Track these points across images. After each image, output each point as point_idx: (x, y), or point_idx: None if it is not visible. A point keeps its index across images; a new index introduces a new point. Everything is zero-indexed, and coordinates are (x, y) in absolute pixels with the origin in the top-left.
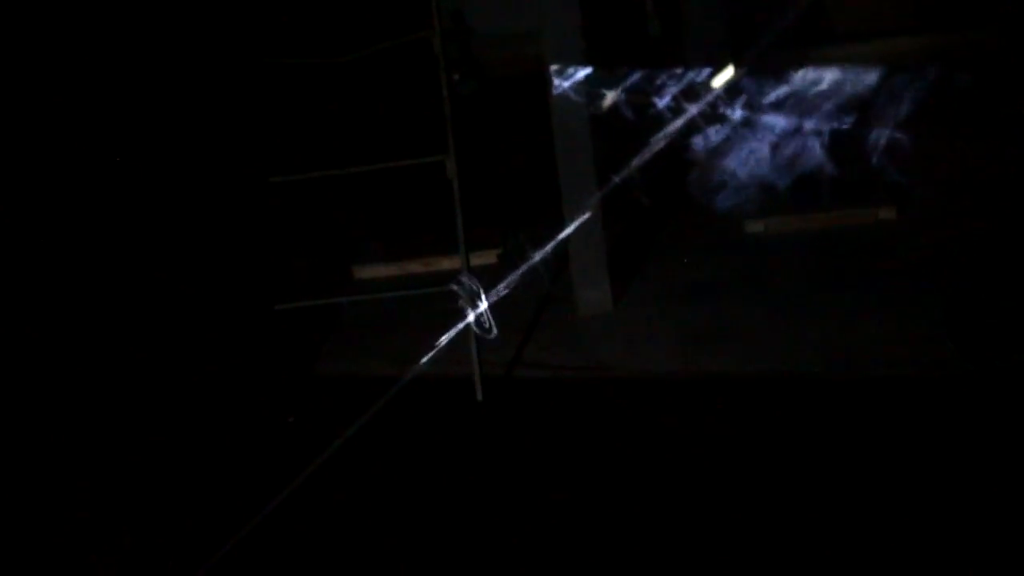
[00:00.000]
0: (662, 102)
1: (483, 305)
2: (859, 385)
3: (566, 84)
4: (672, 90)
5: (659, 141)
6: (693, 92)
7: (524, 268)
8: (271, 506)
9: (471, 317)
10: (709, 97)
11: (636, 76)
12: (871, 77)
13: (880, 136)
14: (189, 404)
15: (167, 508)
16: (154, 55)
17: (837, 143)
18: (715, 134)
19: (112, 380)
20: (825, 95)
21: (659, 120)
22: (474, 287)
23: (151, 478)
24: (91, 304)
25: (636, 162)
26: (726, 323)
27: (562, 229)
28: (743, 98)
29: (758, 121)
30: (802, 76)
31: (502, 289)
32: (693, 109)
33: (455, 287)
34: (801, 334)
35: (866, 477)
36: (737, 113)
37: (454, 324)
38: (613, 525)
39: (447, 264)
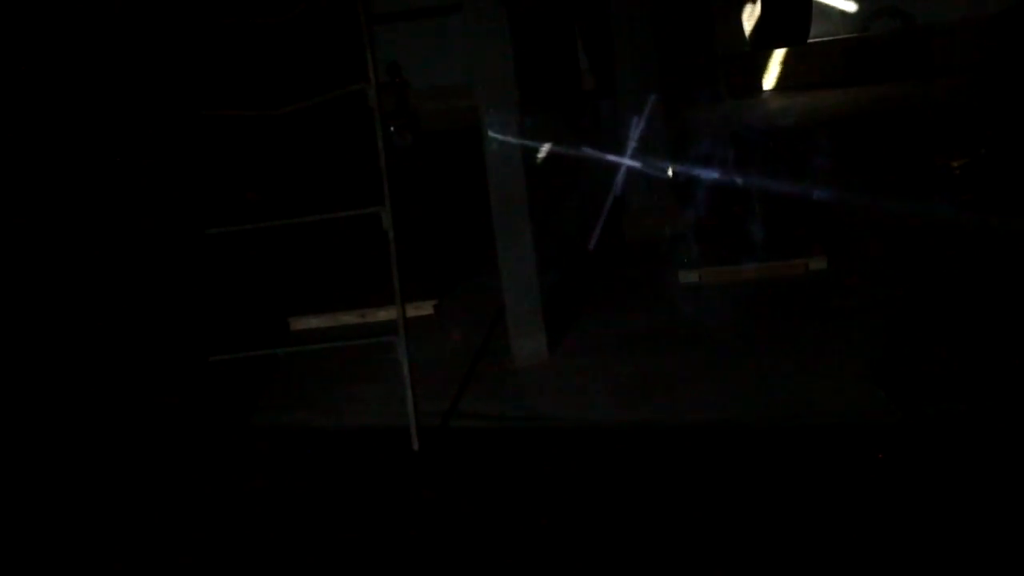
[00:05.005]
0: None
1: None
2: (792, 433)
3: (500, 135)
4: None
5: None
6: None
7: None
8: (204, 559)
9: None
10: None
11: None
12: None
13: (809, 188)
14: (124, 454)
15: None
16: (91, 105)
17: (767, 195)
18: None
19: (48, 425)
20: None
21: (593, 170)
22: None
23: (83, 526)
24: (25, 353)
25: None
26: (661, 373)
27: (497, 280)
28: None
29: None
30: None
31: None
32: (626, 159)
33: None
34: (734, 384)
35: (798, 524)
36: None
37: (390, 375)
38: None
39: (383, 315)
